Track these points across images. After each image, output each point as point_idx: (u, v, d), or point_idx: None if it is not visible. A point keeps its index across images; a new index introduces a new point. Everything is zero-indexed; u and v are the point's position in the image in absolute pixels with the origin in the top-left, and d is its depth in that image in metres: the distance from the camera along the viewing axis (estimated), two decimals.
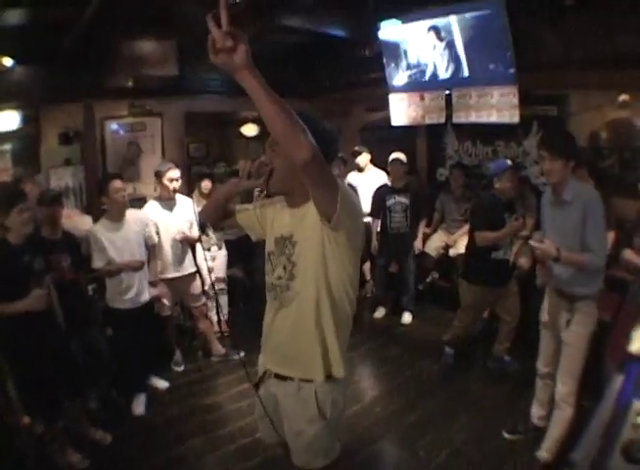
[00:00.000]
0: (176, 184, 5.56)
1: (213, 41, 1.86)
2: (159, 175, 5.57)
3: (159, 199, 5.68)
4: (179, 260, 5.73)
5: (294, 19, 6.27)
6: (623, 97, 5.64)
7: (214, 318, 6.71)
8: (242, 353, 5.85)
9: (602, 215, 3.57)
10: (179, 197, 5.75)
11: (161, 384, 5.60)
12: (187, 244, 5.79)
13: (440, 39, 6.48)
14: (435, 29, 6.48)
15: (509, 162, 5.35)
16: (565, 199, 3.66)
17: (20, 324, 3.71)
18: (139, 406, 5.14)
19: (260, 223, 2.82)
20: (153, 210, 5.56)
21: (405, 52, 6.95)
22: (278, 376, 2.68)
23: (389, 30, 6.91)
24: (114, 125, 7.55)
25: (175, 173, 5.54)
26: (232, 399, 5.30)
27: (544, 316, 4.10)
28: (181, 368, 6.02)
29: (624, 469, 2.43)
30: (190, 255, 5.88)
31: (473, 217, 5.49)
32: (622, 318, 4.54)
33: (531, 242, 3.70)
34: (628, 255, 4.32)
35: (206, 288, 6.39)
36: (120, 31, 6.20)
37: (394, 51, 7.06)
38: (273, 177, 2.45)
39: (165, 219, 5.57)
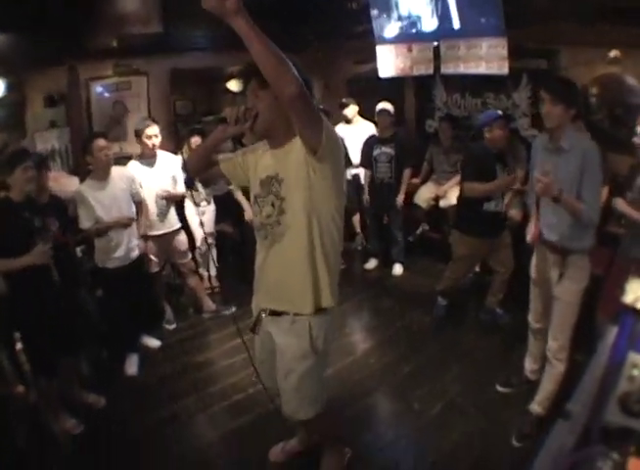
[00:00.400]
0: (155, 140, 5.49)
1: None
2: (138, 133, 5.50)
3: (140, 157, 5.62)
4: (164, 217, 5.71)
5: None
6: (614, 53, 5.58)
7: (206, 274, 6.77)
8: (233, 308, 6.01)
9: (599, 168, 3.49)
10: (161, 153, 5.70)
11: (153, 343, 5.62)
12: (171, 201, 5.77)
13: None
14: None
15: (499, 112, 5.34)
16: (562, 146, 3.55)
17: (19, 280, 3.84)
18: (131, 367, 5.16)
19: (243, 169, 2.95)
20: (134, 168, 5.50)
21: (396, 3, 6.86)
22: (273, 313, 2.88)
23: None
24: (99, 86, 7.41)
25: (153, 130, 5.46)
26: (224, 356, 5.32)
27: (533, 273, 4.06)
28: (173, 326, 6.04)
29: (621, 421, 2.44)
30: (174, 211, 5.86)
31: (463, 168, 5.51)
32: (614, 272, 4.56)
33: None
34: (621, 205, 4.31)
35: (198, 243, 6.48)
36: None
37: (384, 3, 6.97)
38: (258, 121, 2.61)
39: (148, 177, 5.52)
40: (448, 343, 5.41)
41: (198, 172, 3.11)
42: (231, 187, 6.54)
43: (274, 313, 2.88)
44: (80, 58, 7.03)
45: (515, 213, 5.86)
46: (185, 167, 3.17)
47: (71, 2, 5.96)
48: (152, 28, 6.70)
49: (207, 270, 6.81)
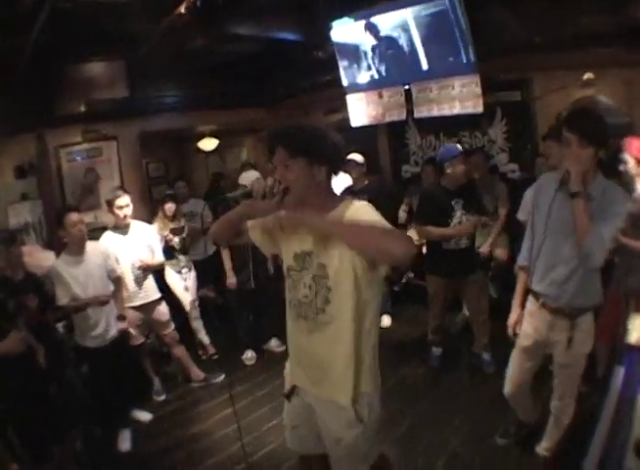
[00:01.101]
0: (127, 210, 5.41)
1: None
2: (109, 204, 5.42)
3: (114, 228, 5.52)
4: (141, 287, 5.59)
5: (243, 26, 6.11)
6: (588, 75, 5.59)
7: (206, 340, 6.69)
8: (222, 376, 5.89)
9: (622, 219, 3.16)
10: (135, 223, 5.62)
11: (144, 416, 5.44)
12: (148, 270, 5.65)
13: (377, 38, 6.47)
14: (370, 27, 6.45)
15: (458, 146, 5.38)
16: (590, 193, 3.07)
17: (1, 367, 3.68)
18: (124, 442, 4.99)
19: (274, 239, 2.83)
20: (109, 240, 5.41)
21: (365, 52, 6.80)
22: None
23: (342, 30, 6.76)
24: (69, 154, 7.33)
25: (124, 200, 5.38)
26: (218, 426, 5.15)
27: (526, 340, 3.62)
28: (162, 397, 5.85)
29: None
30: (152, 281, 5.73)
31: (416, 212, 5.53)
32: (610, 301, 4.47)
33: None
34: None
35: (188, 308, 6.44)
36: (67, 56, 6.07)
37: (350, 50, 6.93)
38: (289, 195, 2.46)
39: (123, 247, 5.43)
40: (444, 393, 5.28)
41: (225, 242, 3.47)
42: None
43: None
44: (49, 124, 6.97)
45: (500, 253, 5.79)
46: (210, 238, 3.09)
47: (37, 67, 5.89)
48: (118, 93, 6.67)
49: (199, 337, 6.71)
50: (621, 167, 4.21)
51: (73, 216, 4.69)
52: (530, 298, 3.61)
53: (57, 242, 5.50)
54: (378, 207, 2.49)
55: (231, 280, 6.21)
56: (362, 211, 2.44)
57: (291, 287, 2.68)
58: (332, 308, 2.50)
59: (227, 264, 6.24)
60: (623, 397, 2.84)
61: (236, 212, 2.70)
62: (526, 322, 3.62)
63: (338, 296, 2.48)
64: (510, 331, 3.77)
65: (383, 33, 6.40)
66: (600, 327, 4.60)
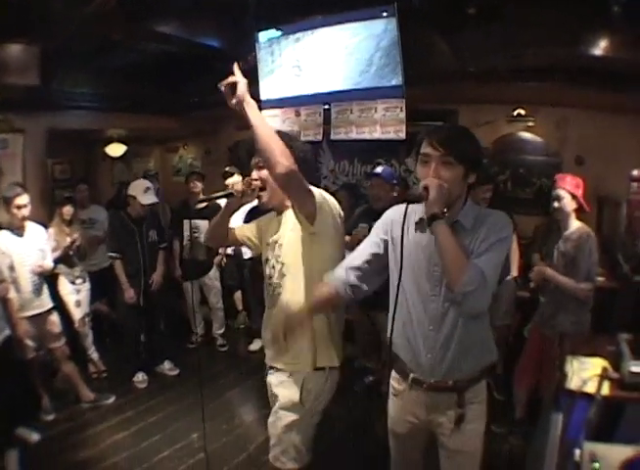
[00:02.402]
0: (25, 211, 5.07)
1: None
2: (6, 201, 5.04)
3: (9, 228, 5.12)
4: (38, 295, 5.23)
5: (166, 25, 5.79)
6: (519, 111, 5.55)
7: (95, 356, 6.34)
8: (112, 398, 5.64)
9: (507, 246, 2.56)
10: (30, 225, 5.27)
11: (32, 436, 4.96)
12: (43, 276, 5.31)
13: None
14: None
15: (379, 169, 5.47)
16: (461, 222, 2.48)
17: None
18: (11, 465, 4.49)
19: (257, 237, 3.27)
20: (4, 241, 5.03)
21: (283, 64, 6.48)
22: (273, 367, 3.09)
23: (267, 42, 6.44)
24: None
25: (23, 199, 5.05)
26: (108, 453, 4.81)
27: (398, 426, 2.82)
28: (51, 417, 5.43)
29: None
30: (47, 289, 5.38)
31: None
32: (532, 343, 4.39)
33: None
34: (547, 271, 4.19)
35: (77, 325, 6.06)
36: None
37: (271, 63, 6.58)
38: (264, 193, 2.94)
39: (18, 249, 5.07)
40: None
41: (219, 244, 3.75)
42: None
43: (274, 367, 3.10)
44: None
45: None
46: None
47: None
48: (30, 80, 6.17)
49: (88, 354, 6.31)
50: (555, 204, 4.13)
51: None
52: (394, 373, 2.77)
53: None
54: None
55: (129, 292, 5.92)
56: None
57: (265, 275, 3.07)
58: (285, 281, 2.89)
59: (122, 277, 5.97)
60: (567, 443, 2.65)
61: (223, 213, 3.16)
62: (395, 405, 2.80)
63: (289, 268, 2.88)
64: None
65: (307, 47, 6.15)
66: (519, 370, 4.52)
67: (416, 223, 2.56)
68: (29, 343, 5.10)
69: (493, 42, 5.10)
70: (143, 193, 5.97)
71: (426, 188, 2.35)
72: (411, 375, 2.59)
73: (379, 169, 5.40)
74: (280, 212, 3.01)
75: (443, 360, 2.49)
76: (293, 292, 2.87)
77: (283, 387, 2.98)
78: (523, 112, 5.56)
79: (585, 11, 4.53)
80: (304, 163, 2.81)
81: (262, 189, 2.96)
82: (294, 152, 2.66)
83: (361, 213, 5.51)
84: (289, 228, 2.89)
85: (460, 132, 2.56)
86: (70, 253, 5.96)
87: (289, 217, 2.89)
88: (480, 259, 2.33)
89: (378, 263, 2.68)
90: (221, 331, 7.36)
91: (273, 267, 2.95)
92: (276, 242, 2.96)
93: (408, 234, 2.51)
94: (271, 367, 3.12)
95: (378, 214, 3.97)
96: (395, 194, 5.20)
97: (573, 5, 4.54)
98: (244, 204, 3.18)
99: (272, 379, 3.10)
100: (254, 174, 3.02)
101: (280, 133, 2.65)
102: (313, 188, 2.73)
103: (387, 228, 2.68)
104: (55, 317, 5.44)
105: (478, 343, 2.54)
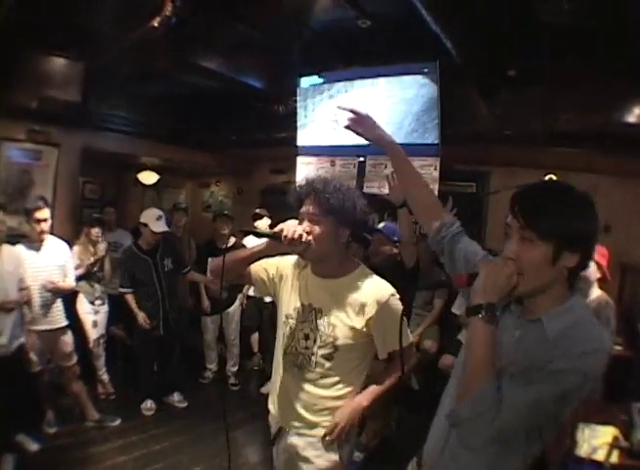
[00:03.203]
0: (45, 225, 5.06)
1: None
2: (27, 213, 5.05)
3: (27, 240, 5.14)
4: (47, 311, 5.19)
5: (210, 60, 5.92)
6: (550, 176, 5.57)
7: (105, 378, 6.34)
8: (118, 421, 5.59)
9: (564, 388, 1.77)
10: (51, 239, 5.26)
11: (31, 445, 4.98)
12: (57, 294, 5.28)
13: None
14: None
15: (381, 224, 5.30)
16: (544, 323, 1.82)
17: None
18: (6, 469, 4.53)
19: (274, 283, 2.93)
20: (18, 255, 4.96)
21: (322, 112, 6.58)
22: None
23: (309, 88, 6.56)
24: (10, 149, 6.76)
25: (44, 213, 5.04)
26: None
27: None
28: (53, 430, 5.41)
29: None
30: (61, 306, 5.36)
31: None
32: None
33: None
34: None
35: (91, 345, 6.05)
36: (27, 42, 5.69)
37: (311, 111, 6.70)
38: (312, 246, 2.58)
39: (33, 263, 5.03)
40: None
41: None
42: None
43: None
44: None
45: (429, 345, 5.63)
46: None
47: None
48: (71, 96, 6.32)
49: (99, 374, 6.32)
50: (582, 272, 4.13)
51: None
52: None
53: None
54: None
55: (140, 319, 5.93)
56: (379, 288, 2.66)
57: (287, 335, 2.79)
58: (332, 365, 2.66)
59: (133, 307, 5.96)
60: None
61: (257, 251, 2.79)
62: None
63: (341, 356, 2.64)
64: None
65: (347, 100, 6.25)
66: None
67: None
68: (34, 357, 5.08)
69: (530, 106, 5.20)
70: (155, 221, 5.98)
71: (471, 274, 1.89)
72: None
73: (381, 225, 5.27)
74: (325, 275, 2.72)
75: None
76: (336, 377, 2.66)
77: (315, 449, 2.70)
78: (554, 177, 5.59)
79: (621, 77, 4.63)
80: (364, 216, 2.73)
81: (310, 244, 2.57)
82: (357, 208, 2.63)
83: None
84: (343, 306, 2.63)
85: (553, 195, 1.85)
86: (94, 270, 6.06)
87: (342, 290, 2.65)
88: (516, 388, 1.72)
89: None
90: (235, 369, 7.32)
91: (314, 340, 2.65)
92: (315, 310, 2.69)
93: None
94: (290, 428, 2.79)
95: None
96: (396, 251, 4.96)
97: (611, 71, 4.63)
98: (283, 253, 2.77)
99: (297, 440, 2.75)
100: (306, 226, 2.58)
101: (348, 189, 2.67)
102: None
103: None
104: (68, 337, 5.42)
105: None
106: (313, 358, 2.66)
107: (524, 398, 1.68)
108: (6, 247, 4.64)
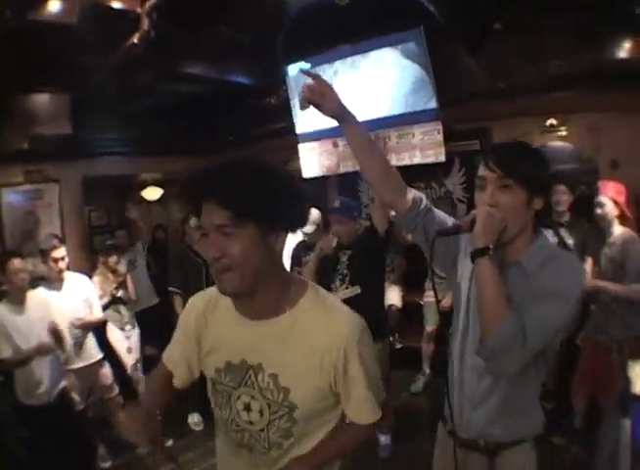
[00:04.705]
0: (62, 264, 5.07)
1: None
2: (43, 254, 5.07)
3: (47, 281, 5.17)
4: (80, 348, 5.22)
5: (194, 66, 5.96)
6: (551, 121, 5.63)
7: None
8: (170, 442, 5.55)
9: (570, 304, 2.08)
10: (70, 275, 5.27)
11: None
12: (87, 329, 5.32)
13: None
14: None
15: (336, 203, 4.94)
16: (522, 264, 2.13)
17: None
18: None
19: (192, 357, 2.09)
20: (45, 296, 4.97)
21: None
22: None
23: (297, 75, 6.58)
24: (10, 194, 6.88)
25: (60, 252, 5.05)
26: None
27: None
28: (107, 464, 5.45)
29: None
30: (93, 340, 5.40)
31: None
32: (587, 352, 4.41)
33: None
34: (596, 281, 4.21)
35: (129, 371, 6.08)
36: (12, 83, 5.71)
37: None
38: (229, 274, 1.72)
39: (58, 306, 4.98)
40: None
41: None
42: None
43: None
44: None
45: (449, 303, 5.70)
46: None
47: None
48: (62, 129, 6.35)
49: None
50: (598, 211, 4.20)
51: (17, 263, 4.43)
52: (441, 423, 2.48)
53: None
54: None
55: None
56: (342, 321, 1.84)
57: (221, 404, 1.99)
58: (293, 443, 1.89)
59: (178, 308, 5.85)
60: (636, 449, 2.70)
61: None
62: (436, 456, 2.52)
63: (304, 429, 1.88)
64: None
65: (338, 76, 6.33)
66: (577, 380, 4.54)
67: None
68: (75, 396, 5.12)
69: (520, 57, 5.27)
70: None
71: (471, 222, 2.10)
72: (448, 425, 2.34)
73: (336, 204, 4.92)
74: (256, 315, 1.86)
75: (476, 416, 2.22)
76: (296, 453, 1.91)
77: None
78: (554, 122, 5.63)
79: (606, 15, 4.69)
80: (301, 205, 1.82)
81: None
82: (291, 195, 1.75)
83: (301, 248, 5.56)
84: (294, 357, 1.82)
85: (520, 149, 2.18)
86: (118, 294, 6.12)
87: (288, 332, 1.83)
88: (528, 313, 1.95)
89: None
90: None
91: (259, 413, 1.86)
92: (252, 367, 1.86)
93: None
94: None
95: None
96: (358, 227, 4.90)
97: (594, 10, 4.70)
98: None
99: None
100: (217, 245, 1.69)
101: (268, 170, 1.74)
102: None
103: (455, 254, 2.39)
104: (106, 369, 5.46)
105: (520, 406, 2.19)
106: (263, 436, 1.89)
107: (545, 318, 1.93)
108: (31, 293, 4.67)
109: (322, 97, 2.11)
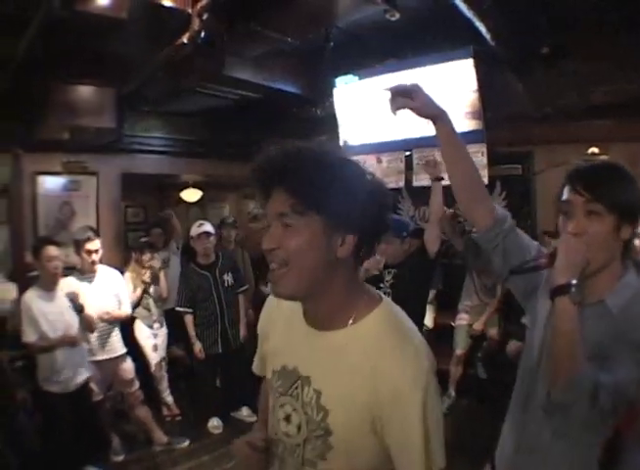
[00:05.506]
0: (96, 256, 5.21)
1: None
2: (77, 245, 5.19)
3: (78, 273, 5.26)
4: (105, 342, 5.33)
5: (243, 71, 6.02)
6: (592, 149, 5.61)
7: (169, 400, 6.47)
8: (186, 442, 5.69)
9: None
10: (102, 268, 5.40)
11: None
12: (114, 323, 5.44)
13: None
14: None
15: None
16: (606, 303, 1.90)
17: None
18: None
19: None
20: (72, 286, 5.06)
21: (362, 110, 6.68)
22: None
23: (345, 87, 6.69)
24: (47, 182, 6.96)
25: (94, 244, 5.19)
26: None
27: None
28: (120, 458, 5.52)
29: None
30: (118, 334, 5.50)
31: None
32: None
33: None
34: None
35: (153, 369, 6.20)
36: (56, 73, 5.81)
37: (351, 109, 6.82)
38: (284, 269, 1.56)
39: (88, 298, 5.06)
40: None
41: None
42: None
43: None
44: (28, 147, 6.56)
45: (493, 332, 5.69)
46: None
47: (21, 83, 5.65)
48: (105, 123, 6.44)
49: (163, 397, 6.48)
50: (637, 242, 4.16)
51: (52, 250, 4.57)
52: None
53: (19, 274, 5.33)
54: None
55: (196, 349, 6.06)
56: (408, 357, 1.56)
57: (272, 407, 1.84)
58: (327, 465, 1.64)
59: (191, 331, 6.09)
60: None
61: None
62: None
63: (340, 458, 1.61)
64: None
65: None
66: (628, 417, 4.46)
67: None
68: (94, 387, 5.18)
69: (566, 81, 5.30)
70: (197, 228, 6.20)
71: (552, 255, 1.90)
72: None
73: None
74: (318, 324, 1.69)
75: (525, 464, 2.05)
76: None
77: None
78: (596, 150, 5.61)
79: None
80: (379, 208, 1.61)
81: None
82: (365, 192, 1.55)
83: None
84: (342, 379, 1.59)
85: (610, 170, 1.95)
86: (150, 290, 6.26)
87: (341, 350, 1.61)
88: (606, 365, 1.72)
89: None
90: None
91: (297, 427, 1.68)
92: (301, 378, 1.69)
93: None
94: None
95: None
96: (407, 247, 4.76)
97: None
98: None
99: None
100: (274, 235, 1.56)
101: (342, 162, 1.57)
102: None
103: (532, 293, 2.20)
104: (128, 364, 5.54)
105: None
106: (298, 451, 1.69)
107: (625, 374, 1.68)
108: (63, 282, 4.79)
109: (412, 98, 2.06)
